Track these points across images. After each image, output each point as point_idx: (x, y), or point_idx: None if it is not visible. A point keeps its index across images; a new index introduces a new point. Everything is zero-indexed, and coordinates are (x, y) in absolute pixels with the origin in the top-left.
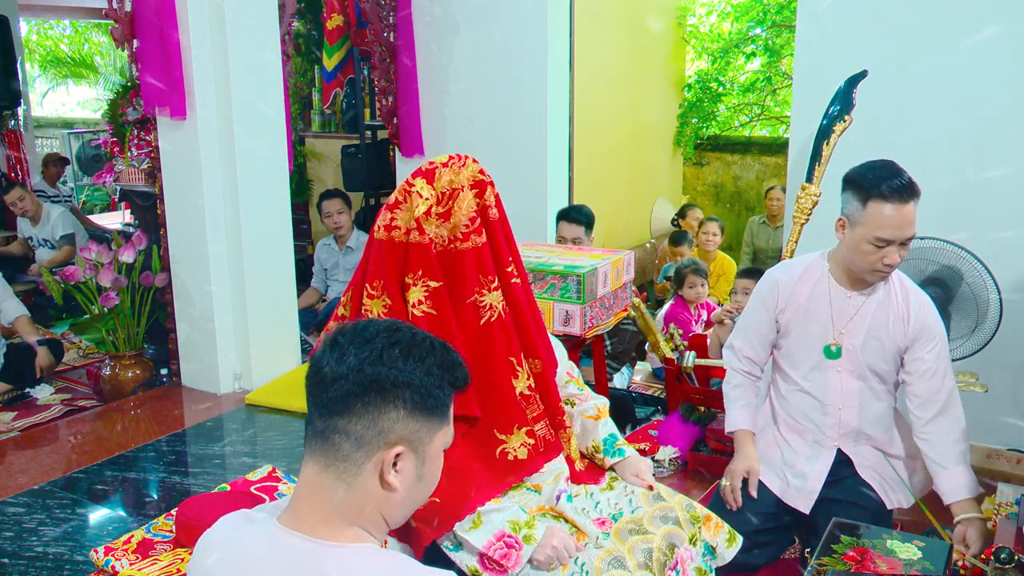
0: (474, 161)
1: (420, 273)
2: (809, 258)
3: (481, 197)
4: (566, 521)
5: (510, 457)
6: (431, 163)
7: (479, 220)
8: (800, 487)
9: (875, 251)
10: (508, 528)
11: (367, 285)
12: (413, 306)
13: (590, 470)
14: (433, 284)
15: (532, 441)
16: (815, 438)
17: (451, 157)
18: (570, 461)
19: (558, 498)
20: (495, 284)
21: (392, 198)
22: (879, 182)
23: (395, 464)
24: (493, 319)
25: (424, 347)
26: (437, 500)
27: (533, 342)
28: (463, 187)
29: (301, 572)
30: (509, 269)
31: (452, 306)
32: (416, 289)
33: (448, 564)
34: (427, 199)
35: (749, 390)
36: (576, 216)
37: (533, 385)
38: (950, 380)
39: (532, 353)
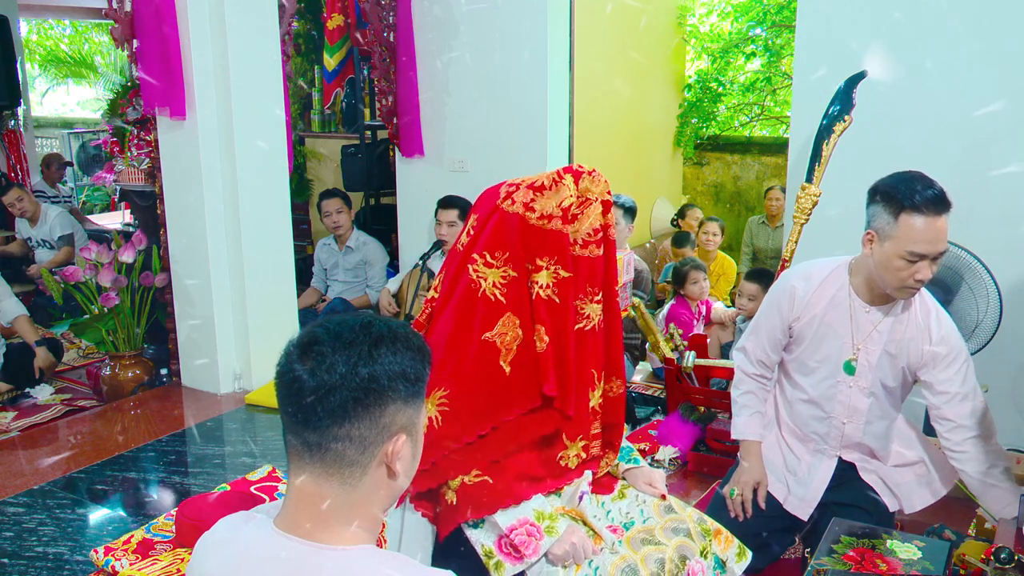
0: (606, 181)
1: (555, 260)
2: (829, 266)
3: (605, 215)
4: (584, 524)
5: (562, 463)
6: (579, 166)
7: (601, 234)
8: (802, 495)
9: (907, 266)
10: (532, 516)
11: (484, 254)
12: (541, 287)
13: (601, 480)
14: (564, 274)
15: (584, 456)
16: (817, 447)
17: (593, 170)
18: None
19: (580, 498)
20: (599, 297)
21: (537, 181)
22: (912, 194)
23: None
24: (587, 328)
25: (400, 335)
26: (490, 480)
27: (619, 363)
28: (596, 199)
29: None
30: (617, 287)
31: None
32: (546, 273)
33: (459, 541)
34: (572, 196)
35: (758, 397)
36: (616, 202)
37: (602, 404)
38: (981, 401)
39: (615, 373)
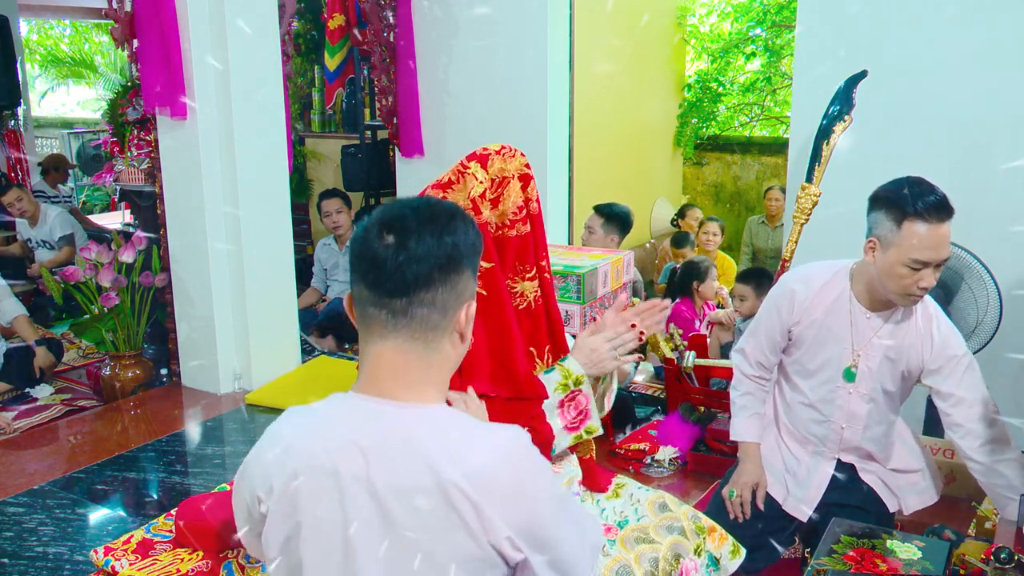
0: (522, 154)
1: None
2: (829, 270)
3: (525, 190)
4: None
5: None
6: (484, 149)
7: (525, 211)
8: (801, 496)
9: (911, 274)
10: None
11: None
12: None
13: (595, 478)
14: (485, 265)
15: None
16: (816, 449)
17: (503, 147)
18: (586, 463)
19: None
20: (531, 274)
21: (444, 178)
22: (914, 200)
23: None
24: (522, 307)
25: (466, 214)
26: None
27: (562, 337)
28: (513, 176)
29: (392, 431)
30: (544, 263)
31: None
32: None
33: None
34: (482, 182)
35: (757, 398)
36: (602, 209)
37: None
38: (991, 407)
39: (561, 348)
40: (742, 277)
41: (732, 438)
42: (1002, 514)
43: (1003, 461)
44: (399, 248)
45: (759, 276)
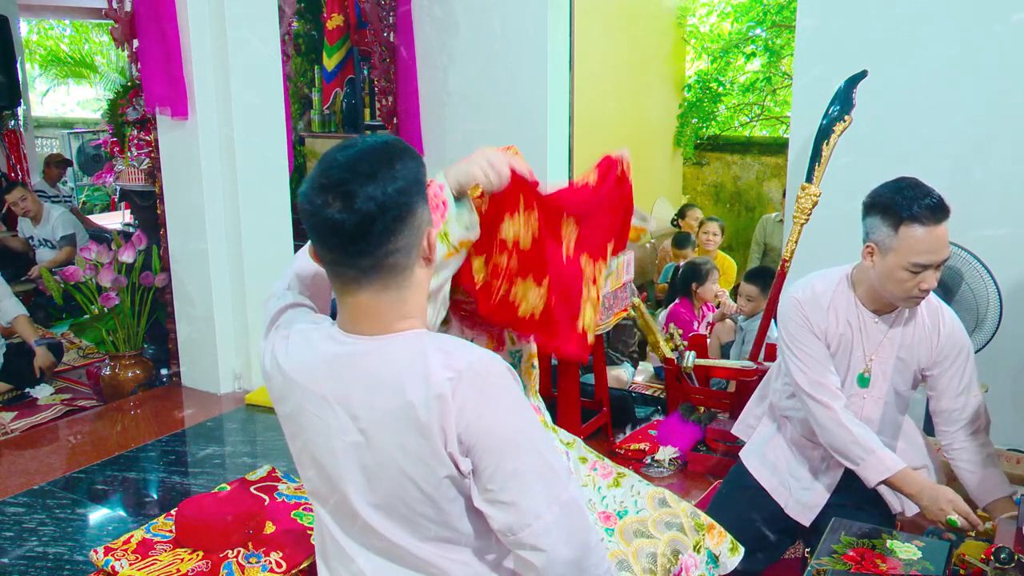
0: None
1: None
2: (830, 282)
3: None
4: None
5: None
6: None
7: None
8: (805, 501)
9: (912, 277)
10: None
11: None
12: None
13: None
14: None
15: None
16: (823, 455)
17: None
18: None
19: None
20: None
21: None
22: (909, 204)
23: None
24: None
25: (400, 145)
26: None
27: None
28: None
29: (369, 361)
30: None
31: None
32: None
33: None
34: None
35: (865, 423)
36: None
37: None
38: (976, 395)
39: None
40: (750, 277)
41: (887, 476)
42: (964, 484)
43: (972, 439)
44: (349, 212)
45: (766, 276)
